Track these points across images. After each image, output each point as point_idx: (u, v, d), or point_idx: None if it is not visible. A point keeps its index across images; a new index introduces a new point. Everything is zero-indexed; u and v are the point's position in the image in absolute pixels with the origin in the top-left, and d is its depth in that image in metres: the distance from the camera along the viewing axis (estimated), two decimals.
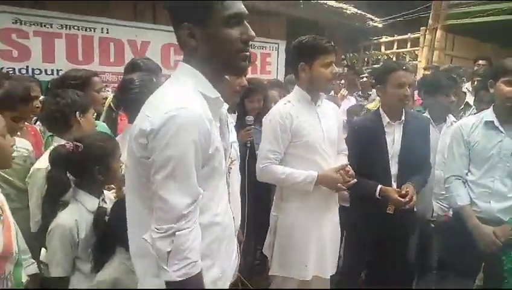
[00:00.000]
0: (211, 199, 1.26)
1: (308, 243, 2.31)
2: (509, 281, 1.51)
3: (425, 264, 2.99)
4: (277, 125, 2.27)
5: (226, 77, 1.89)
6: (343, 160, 2.49)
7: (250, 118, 2.93)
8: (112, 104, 2.61)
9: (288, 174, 2.27)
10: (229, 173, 1.50)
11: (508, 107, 2.34)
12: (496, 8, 5.75)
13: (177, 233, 1.11)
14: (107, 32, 5.11)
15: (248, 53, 1.28)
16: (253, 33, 1.26)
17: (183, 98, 1.16)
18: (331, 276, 2.43)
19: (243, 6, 1.25)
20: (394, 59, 7.52)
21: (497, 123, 2.40)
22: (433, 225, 2.96)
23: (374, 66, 7.80)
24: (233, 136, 2.03)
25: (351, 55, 8.79)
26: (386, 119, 2.62)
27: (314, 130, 2.29)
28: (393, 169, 2.60)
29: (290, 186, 2.32)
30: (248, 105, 3.10)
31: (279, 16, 6.44)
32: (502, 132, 2.37)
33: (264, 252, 2.54)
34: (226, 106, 1.37)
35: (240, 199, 1.99)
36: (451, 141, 2.61)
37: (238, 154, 2.08)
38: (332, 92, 5.45)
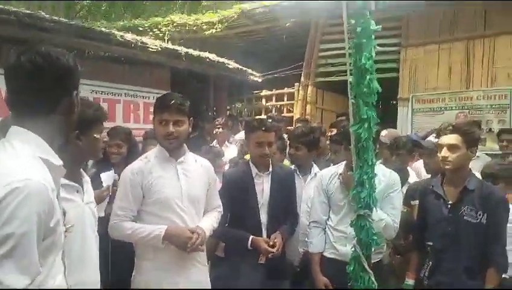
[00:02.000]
0: (48, 275, 1.17)
1: None
2: None
3: None
4: (127, 181, 2.22)
5: (96, 135, 1.91)
6: (214, 217, 2.45)
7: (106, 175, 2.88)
8: None
9: (135, 229, 2.17)
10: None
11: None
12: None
13: None
14: None
15: None
16: None
17: (25, 167, 1.08)
18: None
19: None
20: (274, 111, 8.07)
21: None
22: (299, 269, 3.11)
23: (257, 116, 8.33)
24: (89, 196, 1.93)
25: (238, 105, 9.25)
26: (254, 170, 2.78)
27: (169, 187, 2.23)
28: (263, 218, 2.73)
29: (139, 242, 2.22)
30: (109, 151, 3.08)
31: (163, 67, 6.53)
32: None
33: None
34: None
35: (97, 265, 1.88)
36: (314, 190, 2.86)
37: (96, 216, 1.97)
38: (214, 142, 5.63)
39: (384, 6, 6.21)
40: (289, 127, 7.05)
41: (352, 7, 1.65)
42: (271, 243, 2.61)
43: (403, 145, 3.66)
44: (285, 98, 8.06)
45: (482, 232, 2.33)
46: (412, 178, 3.60)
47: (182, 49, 6.29)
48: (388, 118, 7.54)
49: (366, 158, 1.61)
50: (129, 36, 5.80)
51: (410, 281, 2.59)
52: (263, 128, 2.68)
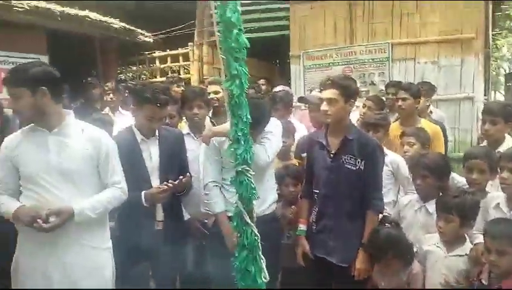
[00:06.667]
0: None
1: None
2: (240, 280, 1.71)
3: (201, 272, 3.06)
4: (2, 155, 2.13)
5: None
6: (106, 195, 2.22)
7: None
8: None
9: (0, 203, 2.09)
10: None
11: None
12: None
13: None
14: None
15: None
16: None
17: None
18: None
19: None
20: (169, 73, 7.74)
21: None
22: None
23: (150, 80, 7.92)
24: None
25: (132, 68, 8.67)
26: (139, 136, 2.65)
27: (35, 160, 2.07)
28: (155, 184, 2.63)
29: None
30: None
31: (36, 29, 5.77)
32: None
33: None
34: None
35: None
36: (208, 149, 2.77)
37: None
38: (106, 109, 5.22)
39: None
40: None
41: None
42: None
43: (280, 99, 3.74)
44: (181, 59, 7.77)
45: (361, 178, 2.51)
46: (301, 132, 3.74)
47: (56, 8, 5.60)
48: (285, 75, 7.72)
49: (240, 115, 1.60)
50: None
51: (302, 227, 2.74)
52: (158, 104, 2.56)
